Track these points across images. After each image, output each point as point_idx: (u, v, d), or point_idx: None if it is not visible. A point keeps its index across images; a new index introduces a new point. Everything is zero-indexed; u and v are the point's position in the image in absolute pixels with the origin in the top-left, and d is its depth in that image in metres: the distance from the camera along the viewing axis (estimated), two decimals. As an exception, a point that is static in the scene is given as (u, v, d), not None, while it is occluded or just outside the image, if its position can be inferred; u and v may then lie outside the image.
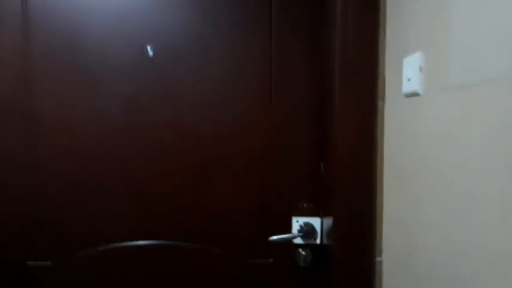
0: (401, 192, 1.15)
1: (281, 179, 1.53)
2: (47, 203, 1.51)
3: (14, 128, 1.49)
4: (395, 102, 1.19)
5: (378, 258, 1.30)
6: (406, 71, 1.09)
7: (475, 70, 0.81)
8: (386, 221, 1.27)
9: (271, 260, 1.55)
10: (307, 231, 1.50)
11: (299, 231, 1.51)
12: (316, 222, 1.51)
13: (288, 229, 1.53)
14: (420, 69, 1.03)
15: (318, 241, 1.50)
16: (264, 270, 1.55)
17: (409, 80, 1.08)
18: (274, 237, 1.47)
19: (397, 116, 1.18)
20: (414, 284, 1.07)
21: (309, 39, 1.52)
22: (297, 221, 1.52)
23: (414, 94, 1.06)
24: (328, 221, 1.43)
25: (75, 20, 1.49)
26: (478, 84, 0.80)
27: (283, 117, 1.53)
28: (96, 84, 1.50)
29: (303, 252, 1.51)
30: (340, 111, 1.31)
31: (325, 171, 1.48)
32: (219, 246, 1.54)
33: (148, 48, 1.49)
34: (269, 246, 1.53)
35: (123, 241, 1.53)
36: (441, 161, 0.93)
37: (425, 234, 1.00)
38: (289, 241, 1.51)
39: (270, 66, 1.52)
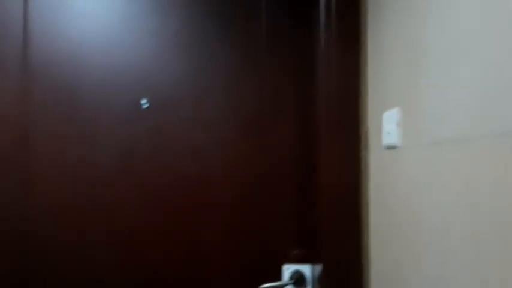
0: (386, 239, 1.19)
1: (272, 226, 1.57)
2: (38, 251, 1.54)
3: (5, 179, 1.53)
4: (378, 153, 1.25)
5: (366, 307, 1.32)
6: (386, 125, 1.15)
7: (442, 130, 0.87)
8: (374, 268, 1.29)
9: (263, 309, 1.56)
10: (298, 279, 1.52)
11: (290, 278, 1.53)
12: (306, 269, 1.53)
13: (278, 277, 1.55)
14: (398, 124, 1.09)
15: (309, 290, 1.52)
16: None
17: (388, 133, 1.14)
18: (265, 285, 1.49)
19: (380, 166, 1.23)
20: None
21: (298, 89, 1.59)
22: (288, 269, 1.54)
23: (393, 147, 1.11)
24: (318, 269, 1.45)
25: (72, 74, 1.57)
26: (443, 143, 0.85)
27: (272, 164, 1.58)
28: (92, 137, 1.56)
29: (294, 301, 1.53)
30: (326, 161, 1.36)
31: (314, 219, 1.51)
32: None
33: (143, 101, 1.56)
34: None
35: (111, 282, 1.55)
36: (417, 209, 0.97)
37: (411, 282, 1.03)
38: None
39: (260, 114, 1.59)
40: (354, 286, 1.33)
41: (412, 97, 1.02)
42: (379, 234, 1.24)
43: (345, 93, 1.35)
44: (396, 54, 1.12)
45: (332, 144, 1.37)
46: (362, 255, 1.34)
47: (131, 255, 1.56)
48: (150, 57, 1.59)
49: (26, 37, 1.55)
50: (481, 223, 0.74)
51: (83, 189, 1.55)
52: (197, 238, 1.57)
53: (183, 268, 1.56)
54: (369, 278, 1.32)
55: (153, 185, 1.57)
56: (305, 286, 1.53)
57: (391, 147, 1.13)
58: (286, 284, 1.52)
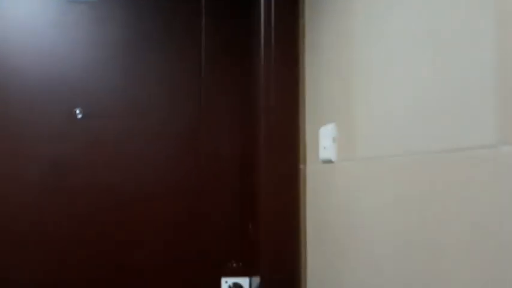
0: (323, 249, 1.23)
1: (210, 238, 1.57)
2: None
3: None
4: (314, 167, 1.29)
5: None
6: (322, 140, 1.20)
7: (371, 146, 0.92)
8: (312, 278, 1.33)
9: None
10: (237, 291, 1.53)
11: (228, 291, 1.53)
12: (245, 282, 1.54)
13: (218, 290, 1.55)
14: (333, 139, 1.13)
15: (248, 301, 1.53)
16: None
17: (324, 148, 1.18)
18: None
19: (316, 179, 1.28)
20: None
21: (239, 99, 1.62)
22: (226, 282, 1.54)
23: (329, 161, 1.16)
24: (256, 282, 1.47)
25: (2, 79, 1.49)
26: (372, 158, 0.90)
27: (211, 177, 1.59)
28: (21, 151, 1.49)
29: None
30: (265, 175, 1.39)
31: (252, 231, 1.53)
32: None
33: (77, 110, 1.52)
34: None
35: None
36: (351, 220, 1.02)
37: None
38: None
39: (199, 125, 1.59)
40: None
41: (346, 114, 1.07)
42: (316, 245, 1.28)
43: (283, 108, 1.39)
44: (331, 73, 1.17)
45: (270, 158, 1.39)
46: (300, 266, 1.37)
47: (63, 274, 1.49)
48: (84, 66, 1.55)
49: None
50: (409, 232, 0.78)
51: (9, 208, 1.47)
52: (133, 252, 1.54)
53: (119, 282, 1.52)
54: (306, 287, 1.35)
55: (86, 202, 1.52)
56: (243, 298, 1.53)
57: (327, 162, 1.18)
58: (225, 297, 1.52)
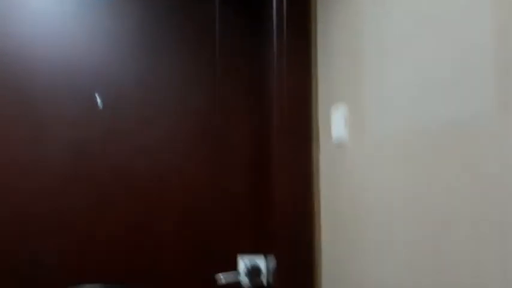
0: (336, 232, 1.28)
1: (225, 222, 1.63)
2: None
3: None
4: (328, 151, 1.34)
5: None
6: (334, 120, 1.24)
7: (381, 125, 0.96)
8: (325, 259, 1.38)
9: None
10: (253, 269, 1.59)
11: (245, 268, 1.59)
12: (260, 261, 1.61)
13: (234, 267, 1.61)
14: (345, 119, 1.18)
15: (265, 282, 1.59)
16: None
17: (336, 128, 1.23)
18: (221, 275, 1.55)
19: (329, 159, 1.32)
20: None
21: (251, 88, 1.66)
22: (242, 259, 1.60)
23: (341, 141, 1.20)
24: (272, 261, 1.52)
25: (22, 74, 1.56)
26: (383, 137, 0.95)
27: (225, 164, 1.64)
28: (42, 139, 1.55)
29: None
30: (279, 158, 1.43)
31: (267, 217, 1.58)
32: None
33: (97, 96, 1.58)
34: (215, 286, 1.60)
35: (69, 285, 1.55)
36: (363, 201, 1.07)
37: (359, 272, 1.12)
38: (236, 281, 1.59)
39: (213, 116, 1.65)
40: (306, 279, 1.41)
41: (357, 94, 1.11)
42: (330, 224, 1.33)
43: (296, 92, 1.43)
44: (342, 54, 1.21)
45: (284, 142, 1.44)
46: (314, 246, 1.42)
47: (90, 251, 1.57)
48: (103, 57, 1.60)
49: (-23, 33, 1.53)
50: (420, 213, 0.83)
51: (32, 195, 1.54)
52: (150, 234, 1.60)
53: (138, 263, 1.59)
54: (320, 269, 1.40)
55: (105, 187, 1.58)
56: (259, 276, 1.60)
57: (339, 142, 1.22)
58: (242, 274, 1.59)
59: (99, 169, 1.58)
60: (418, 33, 0.82)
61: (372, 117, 1.02)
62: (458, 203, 0.70)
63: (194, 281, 1.61)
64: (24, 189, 1.55)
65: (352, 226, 1.14)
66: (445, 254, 0.74)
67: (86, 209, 1.57)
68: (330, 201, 1.32)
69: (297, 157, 1.42)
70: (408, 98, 0.86)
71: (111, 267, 1.58)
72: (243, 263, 1.61)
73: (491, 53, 0.62)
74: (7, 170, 1.54)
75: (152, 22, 1.65)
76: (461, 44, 0.69)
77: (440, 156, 0.75)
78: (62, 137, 1.57)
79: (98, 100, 1.58)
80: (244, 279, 1.60)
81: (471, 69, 0.67)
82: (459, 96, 0.70)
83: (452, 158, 0.72)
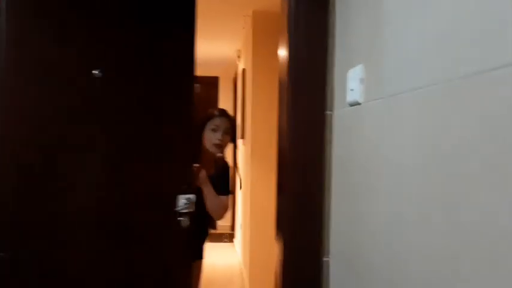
0: (347, 194, 1.24)
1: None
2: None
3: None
4: (341, 111, 1.29)
5: (325, 259, 1.37)
6: (350, 82, 1.19)
7: (397, 82, 0.91)
8: (334, 222, 1.35)
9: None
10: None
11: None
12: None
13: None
14: (361, 80, 1.12)
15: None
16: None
17: (352, 90, 1.17)
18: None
19: (343, 123, 1.27)
20: (358, 284, 1.14)
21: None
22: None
23: (356, 103, 1.15)
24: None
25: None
26: (402, 93, 0.90)
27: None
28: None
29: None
30: (291, 119, 1.39)
31: (279, 176, 1.55)
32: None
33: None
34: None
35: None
36: (378, 164, 1.02)
37: (368, 237, 1.09)
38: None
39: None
40: (314, 237, 1.38)
41: (373, 53, 1.06)
42: (342, 186, 1.29)
43: (313, 51, 1.37)
44: (361, 15, 1.14)
45: (298, 104, 1.39)
46: (324, 208, 1.38)
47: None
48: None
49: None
50: (434, 174, 0.79)
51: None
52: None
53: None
54: (328, 231, 1.37)
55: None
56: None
57: (354, 104, 1.17)
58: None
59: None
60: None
61: (388, 76, 0.97)
62: (478, 164, 0.66)
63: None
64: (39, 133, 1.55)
65: (364, 184, 1.11)
66: (461, 222, 0.70)
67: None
68: (342, 161, 1.27)
69: (310, 117, 1.37)
70: (430, 49, 0.80)
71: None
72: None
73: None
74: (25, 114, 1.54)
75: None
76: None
77: (460, 109, 0.70)
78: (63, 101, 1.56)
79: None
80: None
81: (497, 18, 0.62)
82: (485, 46, 0.65)
83: (468, 110, 0.67)
